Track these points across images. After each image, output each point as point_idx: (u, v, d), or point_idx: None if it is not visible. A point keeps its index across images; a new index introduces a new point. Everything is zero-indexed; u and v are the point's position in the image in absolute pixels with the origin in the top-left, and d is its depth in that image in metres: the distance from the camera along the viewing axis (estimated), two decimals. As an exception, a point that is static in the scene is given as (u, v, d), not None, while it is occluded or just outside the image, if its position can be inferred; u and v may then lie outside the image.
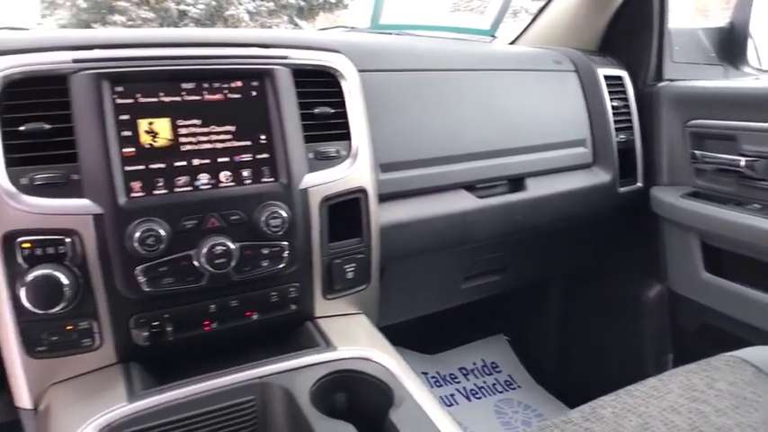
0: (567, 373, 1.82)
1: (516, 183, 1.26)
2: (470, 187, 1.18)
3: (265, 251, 0.83)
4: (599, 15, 1.53)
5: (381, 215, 1.00)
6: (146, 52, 0.81)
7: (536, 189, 1.26)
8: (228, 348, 0.84)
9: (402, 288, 1.25)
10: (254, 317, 0.87)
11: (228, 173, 0.82)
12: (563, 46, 1.51)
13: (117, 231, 0.74)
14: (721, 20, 1.71)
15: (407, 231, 1.08)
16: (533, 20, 1.65)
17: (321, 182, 0.89)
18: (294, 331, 0.91)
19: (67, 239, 0.73)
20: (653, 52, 1.48)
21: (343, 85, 0.95)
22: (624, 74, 1.45)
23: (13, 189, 0.71)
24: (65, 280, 0.72)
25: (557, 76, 1.37)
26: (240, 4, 8.04)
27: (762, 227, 1.19)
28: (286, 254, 0.85)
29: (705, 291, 1.37)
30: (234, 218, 0.80)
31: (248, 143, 0.83)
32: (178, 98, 0.79)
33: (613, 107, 1.39)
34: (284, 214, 0.82)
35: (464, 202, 1.16)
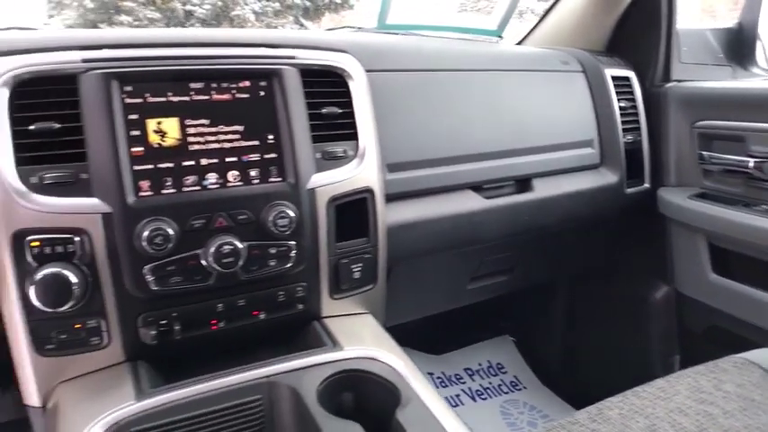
0: (573, 375, 1.82)
1: (523, 183, 1.25)
2: (477, 188, 1.18)
3: (273, 251, 0.83)
4: (606, 16, 1.52)
5: (388, 215, 1.00)
6: (155, 52, 0.81)
7: (543, 189, 1.26)
8: (236, 347, 0.85)
9: (408, 288, 1.25)
10: (262, 316, 0.87)
11: (236, 172, 0.82)
12: (570, 46, 1.51)
13: (125, 230, 0.74)
14: (729, 21, 1.71)
15: (414, 231, 1.08)
16: (540, 20, 1.65)
17: (328, 182, 0.89)
18: (301, 331, 0.92)
19: (76, 238, 0.73)
20: (661, 53, 1.47)
21: (351, 85, 0.95)
22: (632, 74, 1.45)
23: (22, 188, 0.71)
24: (73, 278, 0.72)
25: (564, 77, 1.36)
26: (246, 4, 8.07)
27: (770, 228, 1.19)
28: (293, 253, 0.85)
29: (712, 292, 1.37)
30: (242, 217, 0.81)
31: (256, 143, 0.83)
32: (186, 98, 0.80)
33: (621, 108, 1.38)
34: (292, 214, 0.82)
35: (471, 202, 1.16)
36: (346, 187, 0.91)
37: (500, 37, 1.59)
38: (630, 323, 1.60)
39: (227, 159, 0.81)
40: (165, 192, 0.77)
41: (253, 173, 0.83)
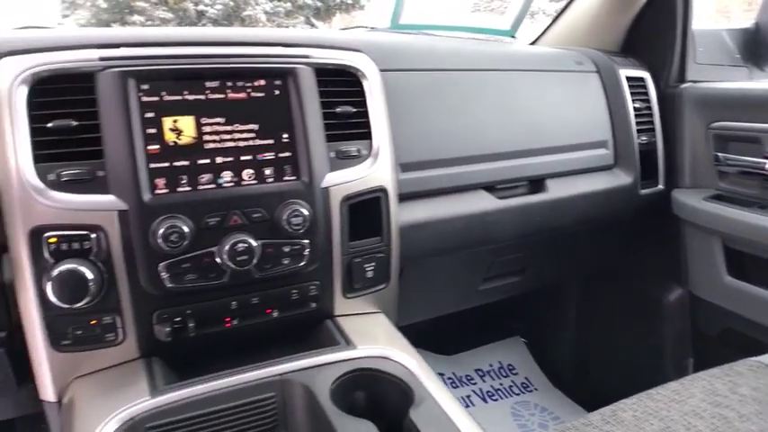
0: (585, 377, 1.81)
1: (536, 184, 1.25)
2: (490, 188, 1.18)
3: (286, 249, 0.83)
4: (621, 16, 1.51)
5: (401, 215, 1.00)
6: (171, 51, 0.81)
7: (556, 190, 1.25)
8: (249, 345, 0.85)
9: (421, 288, 1.25)
10: (275, 314, 0.87)
11: (251, 171, 0.82)
12: (584, 47, 1.50)
13: (141, 227, 0.75)
14: (743, 21, 1.69)
15: (427, 231, 1.08)
16: (554, 20, 1.64)
17: (342, 181, 0.89)
18: (314, 329, 0.92)
19: (93, 235, 0.74)
20: (676, 53, 1.46)
21: (365, 84, 0.95)
22: (646, 75, 1.44)
23: (40, 185, 0.72)
24: (90, 275, 0.73)
25: (578, 77, 1.35)
26: (257, 4, 8.10)
27: (786, 231, 1.18)
28: (307, 252, 0.85)
29: (727, 295, 1.35)
30: (256, 215, 0.81)
31: (271, 142, 0.84)
32: (202, 96, 0.80)
33: (635, 108, 1.38)
34: (305, 213, 0.83)
35: (484, 202, 1.15)
36: (360, 186, 0.91)
37: (513, 37, 1.59)
38: (644, 325, 1.58)
39: (242, 158, 0.82)
40: (180, 189, 0.78)
41: (267, 171, 0.83)
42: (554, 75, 1.32)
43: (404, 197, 1.02)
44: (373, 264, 0.95)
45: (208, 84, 0.80)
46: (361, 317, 0.95)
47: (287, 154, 0.84)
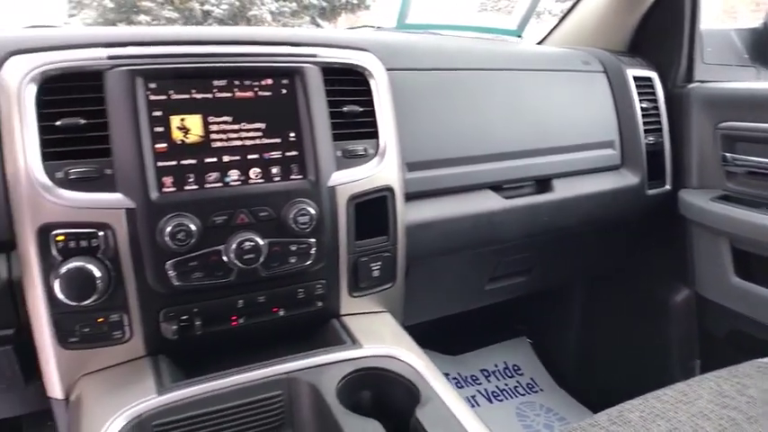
0: (590, 377, 1.80)
1: (543, 183, 1.25)
2: (496, 187, 1.18)
3: (293, 248, 0.84)
4: (629, 15, 1.51)
5: (407, 214, 1.00)
6: (179, 49, 0.82)
7: (563, 190, 1.25)
8: (255, 344, 0.85)
9: (426, 288, 1.25)
10: (281, 313, 0.87)
11: (258, 170, 0.82)
12: (591, 46, 1.50)
13: (148, 226, 0.75)
14: (751, 22, 1.68)
15: (433, 231, 1.08)
16: (561, 20, 1.64)
17: (349, 180, 0.89)
18: (320, 328, 0.92)
19: (100, 233, 0.74)
20: (684, 53, 1.45)
21: (372, 83, 0.95)
22: (654, 75, 1.43)
23: (48, 183, 0.72)
24: (97, 273, 0.73)
25: (585, 77, 1.35)
26: (263, 4, 8.12)
27: (795, 232, 1.17)
28: (313, 251, 0.85)
29: (735, 296, 1.35)
30: (263, 214, 0.81)
31: (278, 140, 0.84)
32: (209, 95, 0.80)
33: (642, 108, 1.37)
34: (312, 211, 0.83)
35: (490, 202, 1.15)
36: (366, 185, 0.91)
37: (519, 37, 1.58)
38: (650, 326, 1.58)
39: (249, 156, 0.82)
40: (187, 188, 0.78)
41: (274, 170, 0.83)
42: (561, 74, 1.31)
43: (410, 196, 1.02)
44: (379, 263, 0.95)
45: (215, 82, 0.81)
46: (366, 316, 0.95)
47: (294, 153, 0.85)
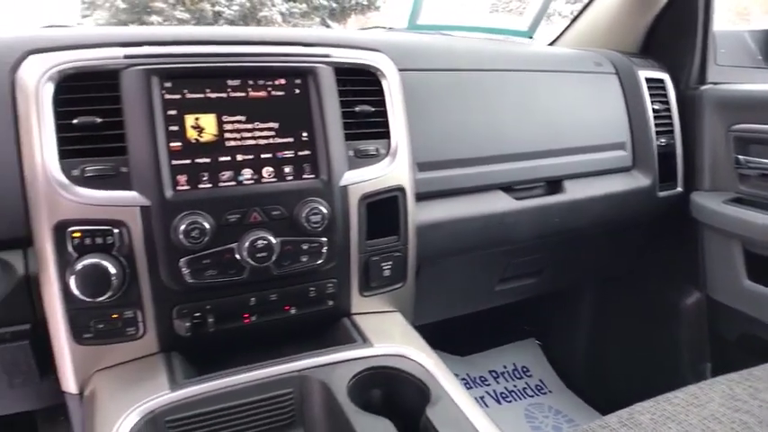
0: (599, 380, 1.80)
1: (554, 185, 1.24)
2: (507, 188, 1.18)
3: (305, 246, 0.84)
4: (641, 17, 1.50)
5: (419, 214, 1.00)
6: (194, 49, 0.82)
7: (574, 191, 1.24)
8: (266, 341, 0.86)
9: (437, 288, 1.25)
10: (293, 311, 0.88)
11: (271, 169, 0.83)
12: (603, 48, 1.49)
13: (163, 223, 0.76)
14: (763, 23, 1.67)
15: (444, 231, 1.08)
16: (573, 21, 1.63)
17: (360, 179, 0.90)
18: (331, 327, 0.92)
19: (115, 230, 0.75)
20: (696, 55, 1.45)
21: (384, 84, 0.95)
22: (666, 77, 1.43)
23: (65, 180, 0.73)
24: (112, 269, 0.74)
25: (597, 78, 1.35)
26: (273, 5, 8.14)
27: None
28: (325, 250, 0.85)
29: (747, 299, 1.34)
30: (275, 213, 0.82)
31: (290, 140, 0.84)
32: (224, 94, 0.81)
33: (654, 110, 1.36)
34: (324, 210, 0.83)
35: (501, 203, 1.15)
36: (378, 185, 0.92)
37: (531, 38, 1.58)
38: (660, 329, 1.57)
39: (263, 156, 0.82)
40: (201, 186, 0.78)
41: (287, 169, 0.84)
42: (573, 76, 1.31)
43: (421, 196, 1.03)
44: (390, 262, 0.95)
45: (230, 82, 0.81)
46: (377, 315, 0.95)
47: (306, 152, 0.85)
